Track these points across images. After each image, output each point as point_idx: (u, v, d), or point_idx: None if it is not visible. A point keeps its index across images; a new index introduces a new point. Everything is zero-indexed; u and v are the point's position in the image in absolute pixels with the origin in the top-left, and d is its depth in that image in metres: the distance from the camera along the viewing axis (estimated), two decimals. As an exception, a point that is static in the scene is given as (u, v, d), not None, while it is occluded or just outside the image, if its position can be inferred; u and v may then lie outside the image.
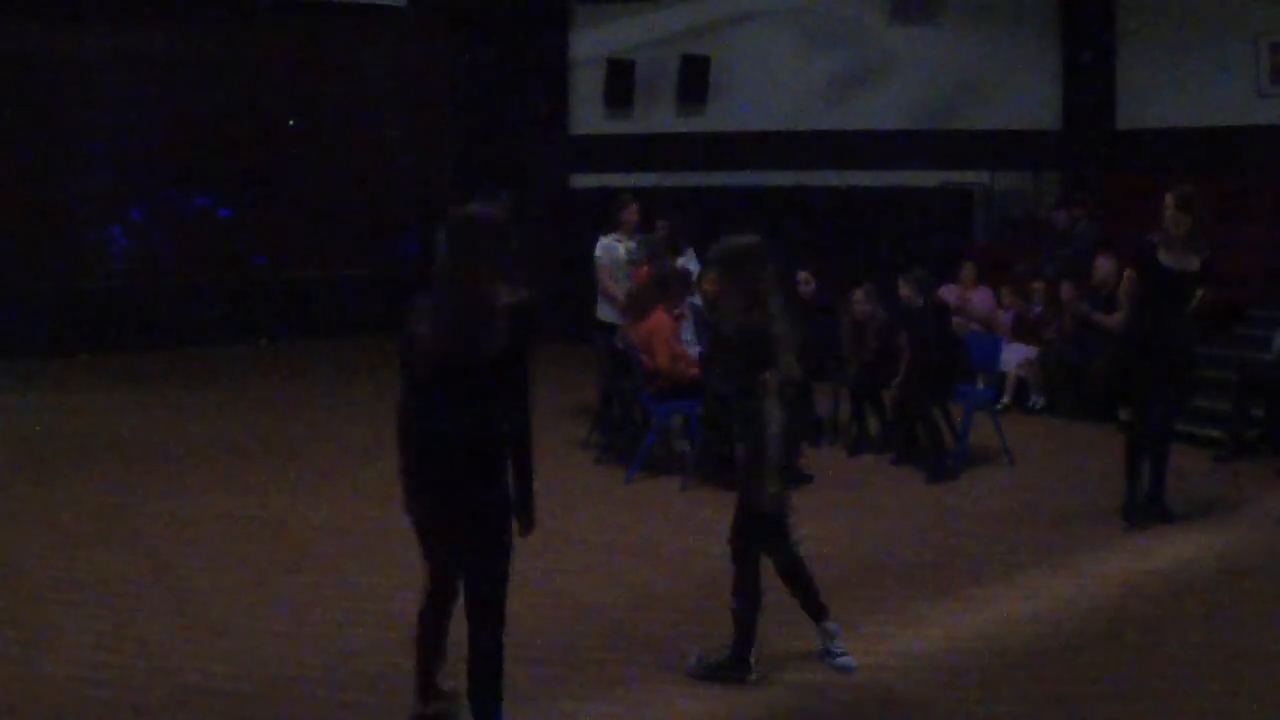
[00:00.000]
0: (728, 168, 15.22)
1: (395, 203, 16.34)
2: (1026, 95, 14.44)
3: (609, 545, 7.11)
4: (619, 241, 9.73)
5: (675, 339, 8.70)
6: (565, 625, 5.78)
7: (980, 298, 11.90)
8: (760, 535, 5.17)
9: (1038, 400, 10.99)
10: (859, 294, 9.71)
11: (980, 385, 9.92)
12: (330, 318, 15.42)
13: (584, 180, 15.92)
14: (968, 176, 14.45)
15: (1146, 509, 7.42)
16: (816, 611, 5.33)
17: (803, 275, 10.02)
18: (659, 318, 8.64)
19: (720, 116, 15.61)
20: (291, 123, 15.59)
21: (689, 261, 9.80)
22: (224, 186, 15.22)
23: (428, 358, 4.14)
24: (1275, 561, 6.81)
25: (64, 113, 14.22)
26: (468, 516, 4.20)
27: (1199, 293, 7.42)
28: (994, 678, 5.18)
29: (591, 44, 16.08)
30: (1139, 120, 13.88)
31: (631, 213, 9.76)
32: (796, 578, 5.28)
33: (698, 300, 9.23)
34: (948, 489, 8.38)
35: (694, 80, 15.57)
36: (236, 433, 10.31)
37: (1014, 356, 11.02)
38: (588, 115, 16.16)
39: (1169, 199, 7.22)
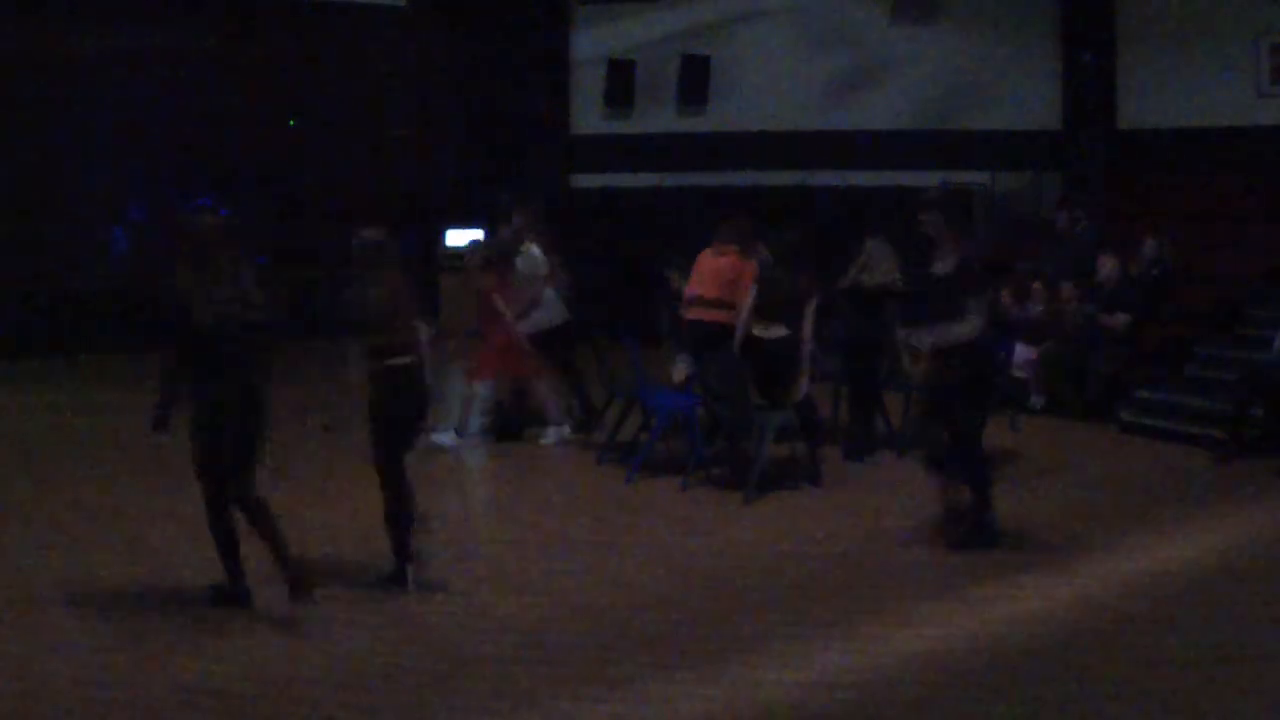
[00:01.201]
0: (728, 168, 15.23)
1: (395, 203, 16.33)
2: (1026, 95, 14.44)
3: (609, 545, 7.11)
4: None
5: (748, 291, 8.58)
6: (565, 625, 5.78)
7: (980, 298, 11.90)
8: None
9: (1038, 400, 10.99)
10: (673, 275, 9.79)
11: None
12: (330, 317, 15.38)
13: (584, 180, 15.92)
14: (968, 176, 14.45)
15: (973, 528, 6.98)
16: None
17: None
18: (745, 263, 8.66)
19: (720, 116, 15.61)
20: (292, 122, 15.59)
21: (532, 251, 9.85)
22: (224, 186, 15.21)
23: (204, 333, 5.70)
24: (1275, 561, 6.81)
25: (64, 113, 14.22)
26: (235, 429, 5.77)
27: (1002, 292, 7.26)
28: (994, 678, 5.18)
29: (591, 44, 16.10)
30: (1139, 120, 13.89)
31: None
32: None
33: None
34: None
35: (694, 80, 15.58)
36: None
37: (1014, 357, 11.02)
38: (588, 115, 16.17)
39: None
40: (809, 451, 8.48)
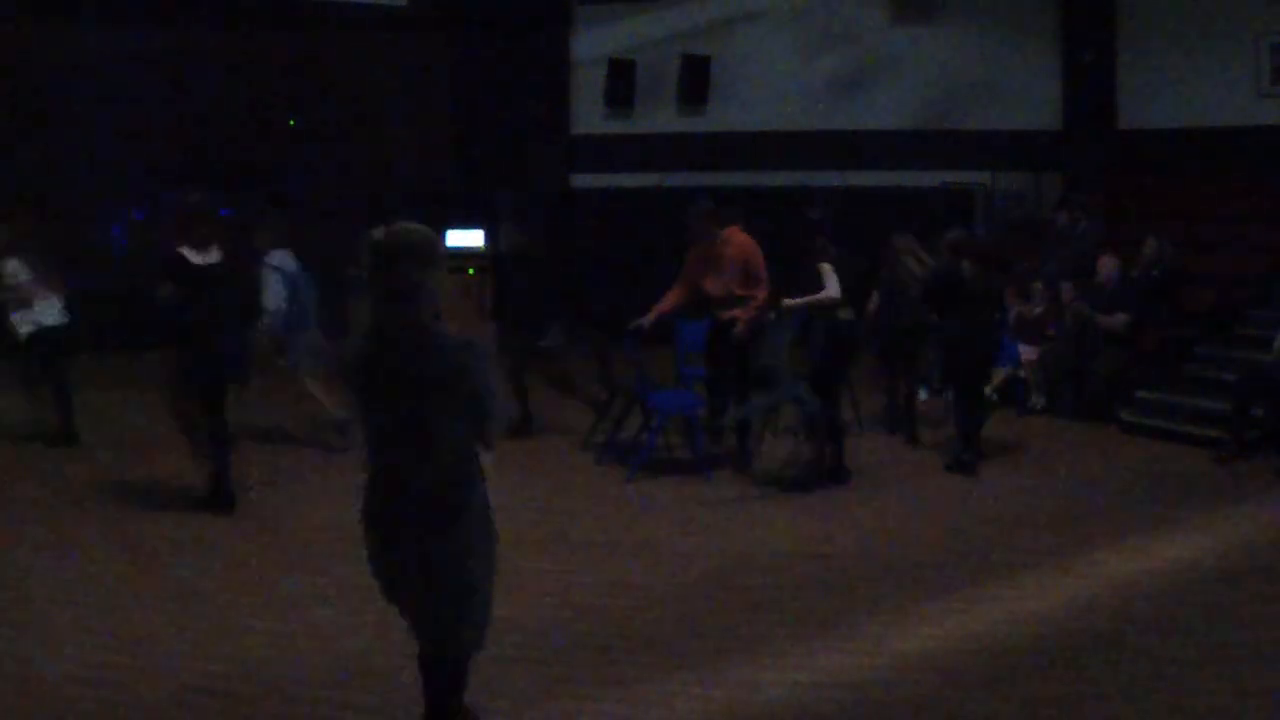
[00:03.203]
0: (728, 168, 15.21)
1: (395, 203, 16.33)
2: (1026, 95, 14.43)
3: (609, 545, 7.11)
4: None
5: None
6: (565, 625, 5.78)
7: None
8: None
9: (1038, 400, 10.99)
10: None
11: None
12: (330, 318, 15.38)
13: (584, 180, 15.92)
14: (968, 176, 14.45)
15: None
16: None
17: None
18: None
19: (720, 116, 15.60)
20: (292, 123, 15.58)
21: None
22: (224, 186, 15.19)
23: None
24: (1275, 561, 6.81)
25: (64, 113, 14.20)
26: None
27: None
28: (994, 678, 5.18)
29: (592, 44, 16.08)
30: (1139, 120, 13.88)
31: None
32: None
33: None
34: (947, 489, 8.38)
35: (694, 80, 15.56)
36: (236, 432, 10.27)
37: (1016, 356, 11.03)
38: (588, 115, 16.15)
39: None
40: (835, 449, 8.44)
